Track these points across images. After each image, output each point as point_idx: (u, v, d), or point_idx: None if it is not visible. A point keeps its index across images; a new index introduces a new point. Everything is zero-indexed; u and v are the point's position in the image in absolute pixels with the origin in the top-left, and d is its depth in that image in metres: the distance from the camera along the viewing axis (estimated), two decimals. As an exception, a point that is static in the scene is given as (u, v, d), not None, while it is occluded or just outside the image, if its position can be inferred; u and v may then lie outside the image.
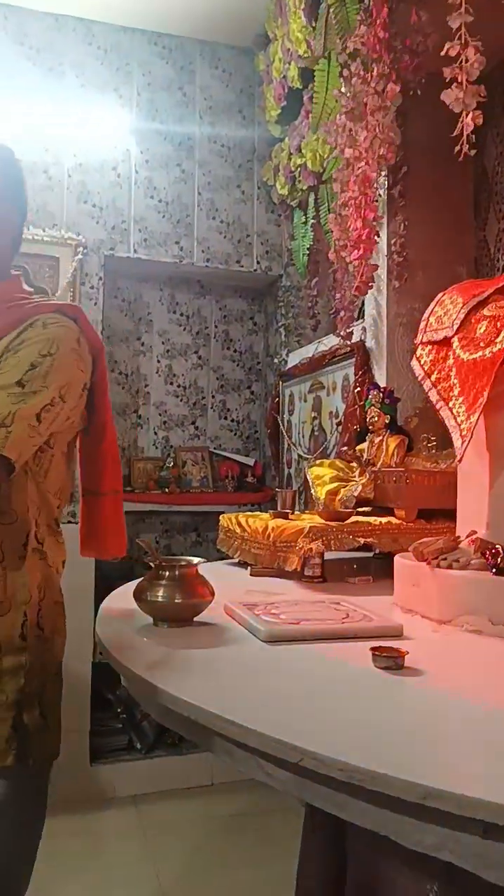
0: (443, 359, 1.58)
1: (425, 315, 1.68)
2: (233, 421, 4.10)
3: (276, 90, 3.21)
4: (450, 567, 1.38)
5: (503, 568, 1.33)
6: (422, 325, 1.68)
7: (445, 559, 1.41)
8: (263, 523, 1.93)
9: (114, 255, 3.49)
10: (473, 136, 1.69)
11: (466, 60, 1.67)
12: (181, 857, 2.57)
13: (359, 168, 2.10)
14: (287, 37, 2.93)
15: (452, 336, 1.56)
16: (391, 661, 1.07)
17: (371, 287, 2.38)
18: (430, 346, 1.63)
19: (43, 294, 1.44)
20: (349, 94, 2.10)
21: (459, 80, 1.68)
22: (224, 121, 3.68)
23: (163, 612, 1.32)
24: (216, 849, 2.63)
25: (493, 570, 1.34)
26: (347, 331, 2.76)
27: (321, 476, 2.14)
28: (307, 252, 3.18)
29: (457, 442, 1.48)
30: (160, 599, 1.31)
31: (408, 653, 1.09)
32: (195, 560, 1.37)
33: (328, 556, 1.83)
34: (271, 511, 2.07)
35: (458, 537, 1.51)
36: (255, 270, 3.74)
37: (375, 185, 2.20)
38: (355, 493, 2.00)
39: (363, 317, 2.76)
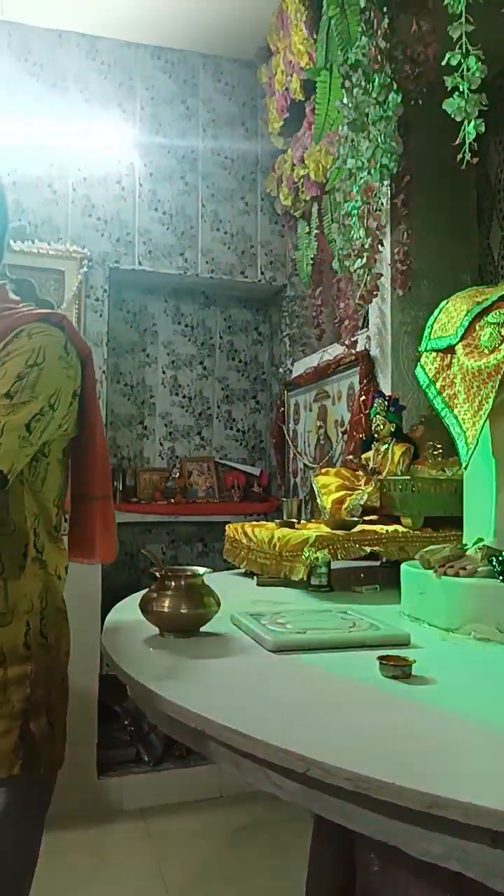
0: (447, 366, 1.58)
1: (429, 323, 1.69)
2: (238, 431, 4.10)
3: (279, 102, 3.23)
4: (457, 575, 1.38)
5: (510, 575, 1.32)
6: (426, 332, 1.68)
7: (452, 567, 1.40)
8: (269, 533, 1.92)
9: (119, 267, 3.51)
10: (476, 145, 1.70)
11: (468, 69, 1.68)
12: (190, 870, 2.55)
13: (361, 178, 2.11)
14: (289, 49, 2.95)
15: (456, 343, 1.56)
16: (399, 669, 1.07)
17: (375, 296, 2.39)
18: (434, 354, 1.63)
19: (48, 307, 1.44)
20: (351, 105, 2.12)
21: (461, 89, 1.69)
22: (227, 133, 3.71)
23: (169, 622, 1.32)
24: (225, 861, 2.61)
25: (501, 578, 1.33)
26: (352, 340, 2.77)
27: (327, 485, 2.14)
28: (311, 262, 3.19)
29: (462, 449, 1.48)
30: (166, 610, 1.31)
31: (415, 661, 1.08)
32: (201, 570, 1.37)
33: (335, 565, 1.82)
34: (277, 520, 2.07)
35: (465, 545, 1.51)
36: (260, 281, 3.75)
37: (378, 195, 2.21)
38: (361, 502, 1.99)
39: (367, 326, 2.77)
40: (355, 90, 2.09)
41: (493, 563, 1.38)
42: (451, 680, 1.10)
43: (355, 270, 2.27)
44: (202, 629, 1.35)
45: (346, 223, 2.26)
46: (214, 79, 3.71)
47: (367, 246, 2.18)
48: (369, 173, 2.10)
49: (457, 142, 1.70)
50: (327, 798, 0.78)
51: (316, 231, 3.12)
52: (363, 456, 2.26)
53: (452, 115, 1.70)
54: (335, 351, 3.05)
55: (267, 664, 1.17)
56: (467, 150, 1.68)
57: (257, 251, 3.75)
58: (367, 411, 2.41)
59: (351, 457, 2.34)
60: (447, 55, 1.70)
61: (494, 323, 1.50)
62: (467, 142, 1.68)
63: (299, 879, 1.50)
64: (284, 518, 2.12)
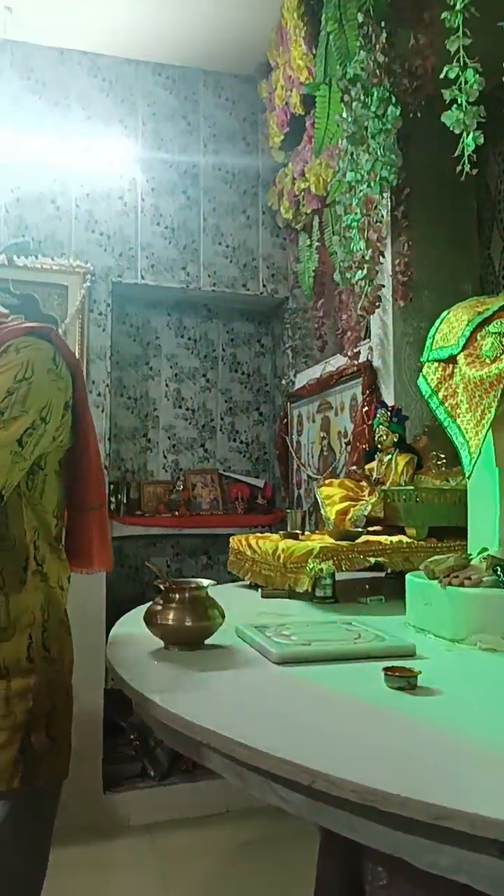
0: (449, 376, 1.58)
1: (431, 333, 1.69)
2: (242, 443, 4.10)
3: (279, 117, 3.26)
4: (461, 585, 1.37)
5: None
6: (427, 343, 1.68)
7: (457, 577, 1.40)
8: (273, 544, 1.92)
9: (121, 281, 3.53)
10: (475, 156, 1.71)
11: (465, 82, 1.69)
12: (197, 886, 2.53)
13: (361, 191, 2.12)
14: (288, 64, 2.98)
15: (458, 354, 1.56)
16: (404, 681, 1.06)
17: (377, 307, 2.40)
18: (436, 364, 1.64)
19: (51, 321, 1.45)
20: (350, 119, 2.13)
21: (459, 102, 1.70)
22: (228, 148, 3.74)
23: (174, 635, 1.32)
24: (232, 876, 2.59)
25: (506, 588, 1.33)
26: (354, 351, 2.77)
27: (331, 496, 2.14)
28: (313, 274, 3.21)
29: (465, 459, 1.48)
30: (171, 623, 1.31)
31: (421, 672, 1.08)
32: (205, 582, 1.36)
33: (339, 576, 1.82)
34: (281, 532, 2.07)
35: (470, 554, 1.50)
36: (262, 293, 3.77)
37: (378, 207, 2.22)
38: (365, 513, 1.99)
39: (369, 336, 2.77)
40: (354, 104, 2.11)
41: (498, 572, 1.37)
42: (456, 691, 1.09)
43: (357, 282, 2.27)
44: (207, 642, 1.34)
45: (346, 235, 2.27)
46: (215, 94, 3.74)
47: (367, 258, 2.19)
48: (369, 186, 2.12)
49: (456, 154, 1.71)
50: (333, 811, 0.78)
51: (317, 243, 3.14)
52: (367, 466, 2.26)
53: (451, 128, 1.71)
54: (337, 362, 3.05)
55: (272, 676, 1.17)
56: (466, 161, 1.69)
57: (259, 264, 3.77)
58: (369, 422, 2.42)
59: (354, 467, 2.34)
60: (445, 68, 1.71)
61: (496, 333, 1.50)
62: (466, 154, 1.69)
63: (307, 895, 1.49)
64: (288, 529, 2.12)
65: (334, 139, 2.45)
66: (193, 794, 3.02)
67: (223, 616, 1.35)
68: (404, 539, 1.90)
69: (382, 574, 2.06)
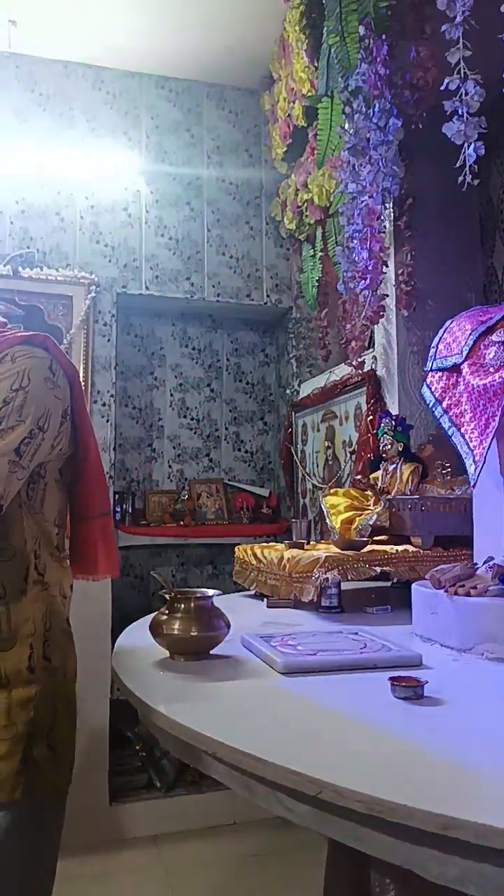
0: (453, 385, 1.59)
1: (434, 342, 1.70)
2: (246, 452, 4.11)
3: (282, 129, 3.28)
4: (468, 594, 1.37)
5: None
6: (431, 352, 1.69)
7: (463, 586, 1.39)
8: (279, 554, 1.92)
9: (126, 292, 3.55)
10: (476, 167, 1.72)
11: (466, 93, 1.70)
12: (204, 899, 2.52)
13: (362, 202, 2.13)
14: (291, 77, 3.00)
15: (462, 362, 1.57)
16: (411, 690, 1.06)
17: (381, 317, 2.40)
18: (440, 373, 1.64)
19: (56, 332, 1.45)
20: (352, 131, 2.15)
21: (460, 113, 1.71)
22: (231, 160, 3.76)
23: (179, 645, 1.32)
24: (239, 888, 2.57)
25: (512, 597, 1.33)
26: (359, 360, 2.78)
27: (336, 505, 2.14)
28: (316, 284, 3.22)
29: (470, 468, 1.48)
30: (176, 633, 1.31)
31: (427, 682, 1.07)
32: (211, 592, 1.36)
33: (345, 585, 1.82)
34: (287, 542, 2.07)
35: (476, 564, 1.50)
36: (266, 304, 3.78)
37: (381, 218, 2.23)
38: (371, 522, 1.99)
39: (373, 346, 2.78)
40: (356, 116, 2.12)
41: (504, 581, 1.37)
42: (463, 701, 1.09)
43: (360, 292, 2.28)
44: (212, 652, 1.34)
45: (349, 246, 2.28)
46: (218, 107, 3.77)
47: (370, 268, 2.20)
48: (371, 197, 2.13)
49: (458, 164, 1.72)
50: (340, 821, 0.78)
51: (321, 254, 3.15)
52: (372, 476, 2.26)
53: (452, 139, 1.72)
54: (342, 371, 3.06)
55: (277, 686, 1.17)
56: (468, 172, 1.69)
57: (263, 274, 3.78)
58: (374, 431, 2.42)
59: (359, 477, 2.34)
60: (446, 80, 1.72)
61: (499, 341, 1.51)
62: (468, 164, 1.70)
63: (314, 906, 1.48)
64: (294, 539, 2.12)
65: (336, 151, 2.47)
66: (200, 806, 3.00)
67: (229, 626, 1.35)
68: (410, 548, 1.90)
69: (388, 583, 2.05)
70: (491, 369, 1.48)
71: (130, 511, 3.72)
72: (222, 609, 1.36)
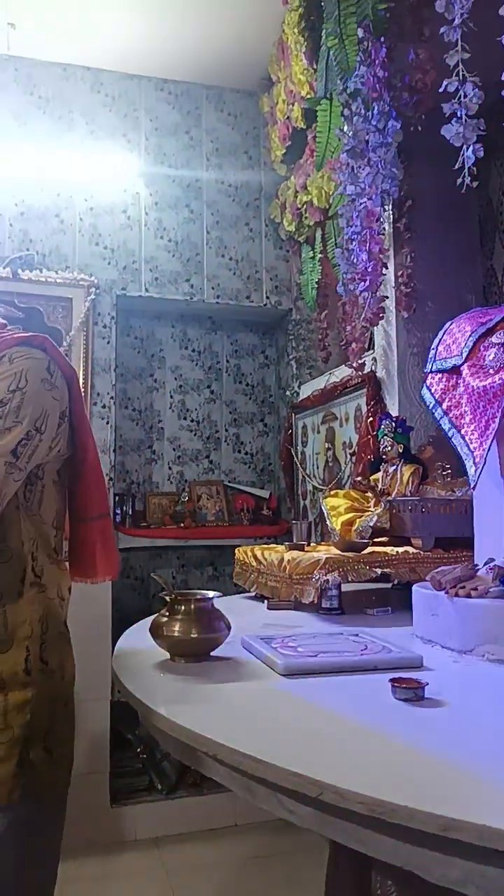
0: (453, 387, 1.59)
1: (434, 344, 1.70)
2: (247, 454, 4.11)
3: (281, 131, 3.29)
4: (468, 595, 1.37)
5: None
6: (430, 353, 1.69)
7: (464, 587, 1.39)
8: (279, 556, 1.92)
9: (126, 294, 3.55)
10: (475, 169, 1.72)
11: (465, 95, 1.70)
12: (205, 901, 2.51)
13: (361, 204, 2.14)
14: (290, 79, 3.01)
15: (462, 364, 1.57)
16: (411, 692, 1.06)
17: (381, 318, 2.40)
18: (439, 375, 1.64)
19: (56, 334, 1.45)
20: (351, 133, 2.15)
21: (459, 115, 1.71)
22: (231, 162, 3.77)
23: (179, 647, 1.32)
24: (241, 891, 2.57)
25: (512, 598, 1.33)
26: (359, 362, 2.78)
27: (336, 507, 2.14)
28: (316, 286, 3.22)
29: (470, 469, 1.48)
30: (176, 634, 1.31)
31: (427, 684, 1.07)
32: (211, 594, 1.37)
33: (346, 587, 1.82)
34: (287, 543, 2.07)
35: (476, 565, 1.50)
36: (265, 305, 3.79)
37: (381, 219, 2.23)
38: (371, 524, 1.99)
39: (373, 347, 2.78)
40: (355, 118, 2.13)
41: (504, 582, 1.37)
42: (464, 702, 1.09)
43: (360, 294, 2.28)
44: (213, 653, 1.34)
45: (349, 248, 2.29)
46: (217, 109, 3.77)
47: (370, 270, 2.20)
48: (370, 199, 2.13)
49: (456, 166, 1.73)
50: (341, 823, 0.78)
51: (320, 255, 3.16)
52: (372, 477, 2.26)
53: (451, 141, 1.72)
54: (342, 373, 3.06)
55: (278, 688, 1.17)
56: (467, 174, 1.70)
57: (262, 276, 3.79)
58: (374, 433, 2.42)
59: (360, 478, 2.34)
60: (444, 82, 1.73)
61: (499, 343, 1.51)
62: (466, 166, 1.70)
63: (316, 908, 1.48)
64: (294, 540, 2.12)
65: (336, 153, 2.47)
66: (201, 808, 3.00)
67: (229, 628, 1.35)
68: (410, 550, 1.90)
69: (389, 585, 2.06)
70: (491, 371, 1.49)
71: (131, 513, 3.71)
72: (223, 611, 1.36)
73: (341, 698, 1.11)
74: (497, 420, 1.45)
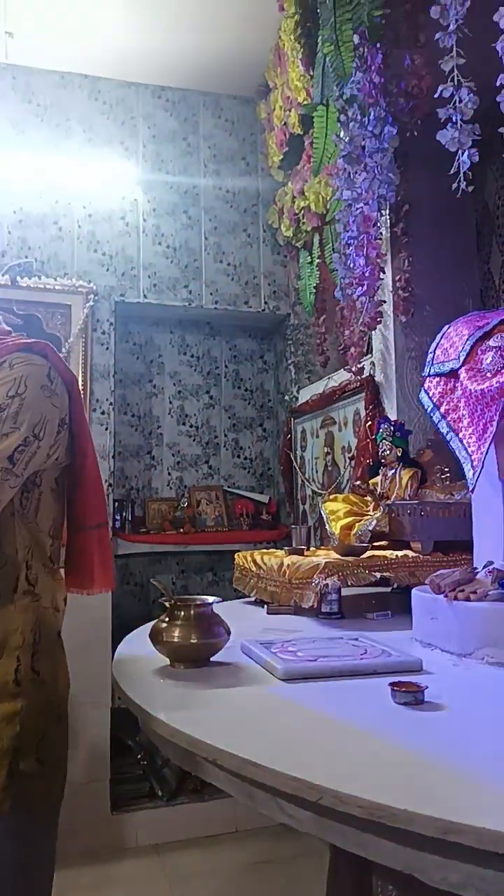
0: (451, 390, 1.59)
1: (431, 348, 1.70)
2: (246, 459, 4.11)
3: (278, 137, 3.30)
4: (468, 599, 1.37)
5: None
6: (428, 357, 1.69)
7: (463, 591, 1.40)
8: (279, 560, 1.92)
9: (124, 300, 3.56)
10: (471, 174, 1.73)
11: (460, 101, 1.71)
12: (207, 908, 2.51)
13: (358, 209, 2.14)
14: (286, 85, 3.02)
15: (459, 368, 1.57)
16: (411, 696, 1.06)
17: (379, 322, 2.41)
18: (437, 379, 1.65)
19: (55, 341, 1.44)
20: (347, 139, 2.16)
21: (454, 120, 1.72)
22: (228, 168, 3.78)
23: (179, 652, 1.32)
24: (242, 898, 2.56)
25: (511, 601, 1.33)
26: (357, 366, 2.79)
27: (336, 511, 2.14)
28: (314, 291, 3.23)
29: (468, 472, 1.49)
30: (176, 640, 1.31)
31: (427, 687, 1.07)
32: (210, 599, 1.37)
33: (345, 591, 1.82)
34: (286, 548, 2.07)
35: (475, 568, 1.51)
36: (263, 310, 3.79)
37: (377, 224, 2.24)
38: (370, 528, 1.99)
39: (371, 352, 2.79)
40: (351, 124, 2.13)
41: None
42: (463, 705, 1.09)
43: (357, 298, 2.29)
44: (213, 659, 1.34)
45: (346, 252, 2.29)
46: (214, 115, 3.79)
47: (367, 274, 2.21)
48: (367, 204, 2.14)
49: (452, 171, 1.73)
50: (341, 827, 0.78)
51: (318, 260, 3.16)
52: (371, 481, 2.26)
53: (447, 146, 1.73)
54: (340, 377, 3.07)
55: (278, 693, 1.17)
56: (462, 178, 1.70)
57: (260, 281, 3.79)
58: (373, 437, 2.42)
59: (359, 482, 2.35)
60: (440, 87, 1.74)
61: (496, 346, 1.51)
62: (462, 171, 1.71)
63: (317, 914, 1.47)
64: (294, 545, 2.12)
65: (332, 158, 2.48)
66: (201, 814, 2.99)
67: (229, 633, 1.35)
68: (410, 553, 1.90)
69: (388, 589, 2.06)
70: (488, 374, 1.49)
71: (130, 519, 3.71)
72: (222, 616, 1.36)
73: (341, 702, 1.11)
74: (495, 423, 1.45)
